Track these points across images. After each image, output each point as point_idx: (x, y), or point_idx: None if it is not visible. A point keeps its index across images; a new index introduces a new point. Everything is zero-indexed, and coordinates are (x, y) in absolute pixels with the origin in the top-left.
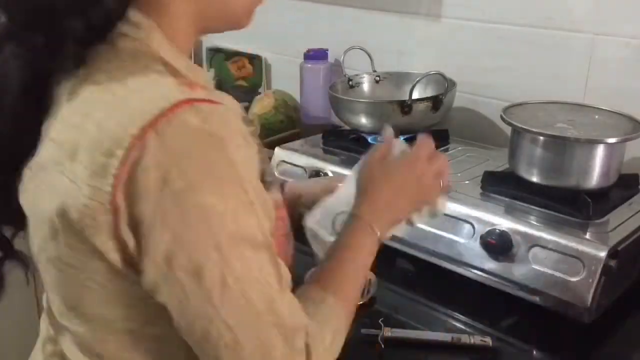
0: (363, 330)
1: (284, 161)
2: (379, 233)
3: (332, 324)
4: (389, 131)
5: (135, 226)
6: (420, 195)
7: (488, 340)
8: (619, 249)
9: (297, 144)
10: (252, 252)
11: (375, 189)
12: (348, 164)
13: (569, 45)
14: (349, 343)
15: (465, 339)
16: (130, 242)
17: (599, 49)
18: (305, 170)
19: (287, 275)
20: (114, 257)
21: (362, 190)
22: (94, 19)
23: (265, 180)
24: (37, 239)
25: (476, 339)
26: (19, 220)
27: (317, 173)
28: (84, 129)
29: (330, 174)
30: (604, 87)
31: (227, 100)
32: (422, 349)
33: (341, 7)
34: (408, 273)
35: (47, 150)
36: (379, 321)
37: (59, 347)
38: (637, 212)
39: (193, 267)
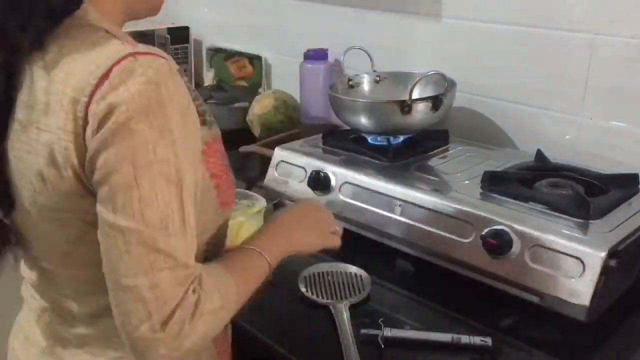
0: (363, 331)
1: (284, 161)
2: (269, 260)
3: (224, 292)
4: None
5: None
6: (317, 232)
7: (488, 341)
8: (619, 249)
9: (297, 144)
10: (163, 184)
11: (276, 227)
12: (348, 163)
13: (569, 45)
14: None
15: (465, 339)
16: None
17: (599, 49)
18: (305, 170)
19: (192, 224)
20: (85, 188)
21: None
22: (56, 8)
23: (206, 119)
24: (25, 198)
25: (476, 339)
26: (5, 201)
27: (317, 173)
28: (52, 89)
29: (330, 174)
30: (604, 87)
31: (162, 54)
32: (422, 349)
33: (341, 7)
34: (408, 273)
35: (24, 114)
36: (379, 321)
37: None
38: (637, 212)
39: (106, 172)
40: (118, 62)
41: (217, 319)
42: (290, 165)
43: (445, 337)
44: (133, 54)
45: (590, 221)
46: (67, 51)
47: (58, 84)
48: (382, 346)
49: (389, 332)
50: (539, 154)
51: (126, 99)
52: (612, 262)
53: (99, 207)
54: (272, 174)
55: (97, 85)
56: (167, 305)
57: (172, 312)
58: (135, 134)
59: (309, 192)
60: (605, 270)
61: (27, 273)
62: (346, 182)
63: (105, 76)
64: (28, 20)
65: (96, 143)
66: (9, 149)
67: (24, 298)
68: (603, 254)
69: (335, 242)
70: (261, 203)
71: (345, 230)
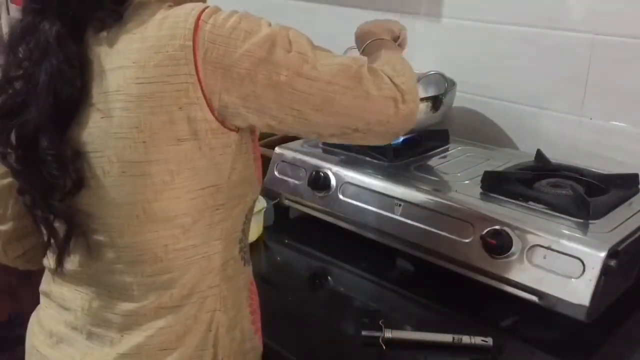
0: (364, 332)
1: (284, 161)
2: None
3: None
4: None
5: (214, 83)
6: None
7: (489, 341)
8: (619, 249)
9: (297, 144)
10: (303, 40)
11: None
12: (348, 163)
13: (569, 45)
14: (350, 345)
15: (466, 339)
16: (216, 99)
17: (599, 49)
18: (305, 170)
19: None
20: (201, 115)
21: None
22: None
23: None
24: (102, 164)
25: (477, 339)
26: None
27: (317, 173)
28: (146, 47)
29: (330, 174)
30: (604, 87)
31: None
32: (423, 349)
33: (341, 7)
34: (408, 273)
35: (115, 79)
36: (380, 323)
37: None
38: (637, 212)
39: (274, 67)
40: (202, 11)
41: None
42: (290, 165)
43: (446, 337)
44: (208, 6)
45: (590, 221)
46: (146, 18)
47: (152, 39)
48: (384, 347)
49: (389, 334)
50: (539, 154)
51: (237, 25)
52: (612, 262)
53: (273, 113)
54: (272, 174)
55: (196, 30)
56: (390, 82)
57: (394, 83)
58: (259, 37)
59: (309, 192)
60: (605, 270)
61: (69, 264)
62: (346, 182)
63: (199, 19)
64: (99, 4)
65: (235, 68)
66: (83, 133)
67: (51, 299)
68: (603, 254)
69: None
70: (261, 203)
71: (346, 230)
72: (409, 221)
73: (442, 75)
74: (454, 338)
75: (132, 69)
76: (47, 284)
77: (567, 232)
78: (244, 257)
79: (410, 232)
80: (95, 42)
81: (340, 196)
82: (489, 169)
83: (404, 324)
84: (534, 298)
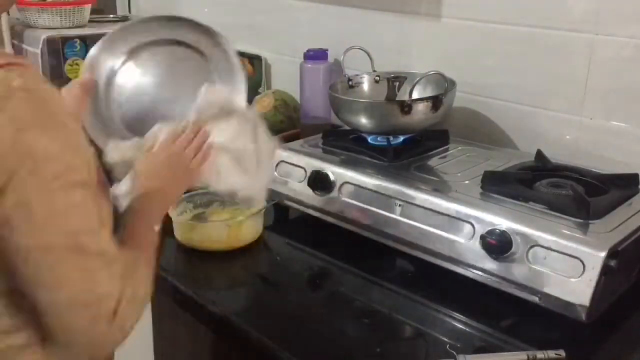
0: None
1: (284, 161)
2: (156, 228)
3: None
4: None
5: None
6: (175, 179)
7: (562, 354)
8: (619, 249)
9: (297, 144)
10: (75, 190)
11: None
12: (348, 163)
13: (569, 45)
14: (349, 345)
15: (540, 355)
16: None
17: (599, 49)
18: (305, 170)
19: (107, 214)
20: None
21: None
22: None
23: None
24: None
25: (550, 354)
26: None
27: (317, 173)
28: None
29: (330, 174)
30: (604, 87)
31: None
32: None
33: (341, 7)
34: (408, 273)
35: None
36: (447, 348)
37: None
38: (637, 212)
39: (19, 200)
40: None
41: (143, 303)
42: (290, 165)
43: (520, 355)
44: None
45: (590, 221)
46: None
47: None
48: None
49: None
50: (539, 154)
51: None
52: (612, 262)
53: (12, 234)
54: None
55: None
56: (110, 301)
57: (116, 308)
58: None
59: (309, 192)
60: (605, 270)
61: None
62: (346, 182)
63: None
64: None
65: None
66: None
67: None
68: (603, 254)
69: (195, 178)
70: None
71: (346, 230)
72: (409, 221)
73: (442, 75)
74: (528, 356)
75: None
76: None
77: (567, 232)
78: None
79: (410, 232)
80: None
81: (340, 196)
82: (489, 169)
83: (404, 324)
84: (534, 298)
